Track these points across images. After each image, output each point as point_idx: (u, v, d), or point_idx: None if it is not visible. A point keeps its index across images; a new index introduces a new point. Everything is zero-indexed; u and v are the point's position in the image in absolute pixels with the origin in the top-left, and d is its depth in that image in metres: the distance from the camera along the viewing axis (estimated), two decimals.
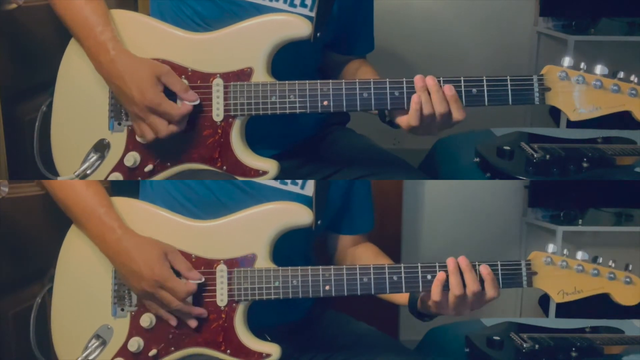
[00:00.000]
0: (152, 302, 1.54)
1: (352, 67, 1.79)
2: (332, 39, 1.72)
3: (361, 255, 1.73)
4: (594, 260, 1.54)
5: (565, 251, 1.54)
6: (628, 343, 2.22)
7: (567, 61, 1.50)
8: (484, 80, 1.50)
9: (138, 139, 1.57)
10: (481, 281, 1.50)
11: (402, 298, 1.61)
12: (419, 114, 1.49)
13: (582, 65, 1.50)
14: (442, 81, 1.50)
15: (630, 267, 1.54)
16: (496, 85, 1.50)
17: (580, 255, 1.54)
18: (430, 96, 1.49)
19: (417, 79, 1.49)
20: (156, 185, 1.63)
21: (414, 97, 1.49)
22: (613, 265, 1.54)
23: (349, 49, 1.79)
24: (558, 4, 3.05)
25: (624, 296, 1.53)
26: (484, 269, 1.50)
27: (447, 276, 1.50)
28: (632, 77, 1.50)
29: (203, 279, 1.52)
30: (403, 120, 1.53)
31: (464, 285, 1.49)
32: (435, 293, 1.50)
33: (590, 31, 3.01)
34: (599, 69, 1.50)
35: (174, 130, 1.53)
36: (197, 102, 1.53)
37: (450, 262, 1.50)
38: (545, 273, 1.53)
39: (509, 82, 1.50)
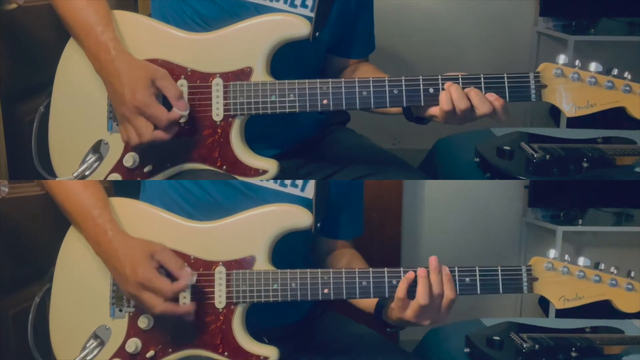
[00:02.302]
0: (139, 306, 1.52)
1: (351, 68, 1.79)
2: (332, 40, 1.72)
3: (336, 261, 1.73)
4: (596, 266, 1.53)
5: (566, 257, 1.53)
6: (628, 343, 2.22)
7: (562, 59, 1.52)
8: (482, 78, 1.51)
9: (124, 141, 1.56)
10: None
11: (368, 305, 1.61)
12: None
13: (577, 62, 1.52)
14: (440, 79, 1.51)
15: (633, 273, 1.53)
16: (493, 82, 1.51)
17: (582, 261, 1.53)
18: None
19: None
20: (154, 186, 1.63)
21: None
22: (615, 271, 1.53)
23: (349, 51, 1.78)
24: (558, 4, 3.06)
25: (626, 303, 1.53)
26: (445, 270, 1.50)
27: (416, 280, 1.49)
28: (626, 74, 1.51)
29: (195, 278, 1.51)
30: (437, 110, 1.52)
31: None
32: (401, 290, 1.49)
33: (590, 31, 3.01)
34: (593, 66, 1.51)
35: (158, 136, 1.50)
36: (186, 113, 1.52)
37: (420, 269, 1.50)
38: (546, 279, 1.53)
39: (505, 79, 1.51)
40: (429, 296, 1.48)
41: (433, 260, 1.50)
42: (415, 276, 1.49)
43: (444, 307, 1.50)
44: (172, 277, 1.50)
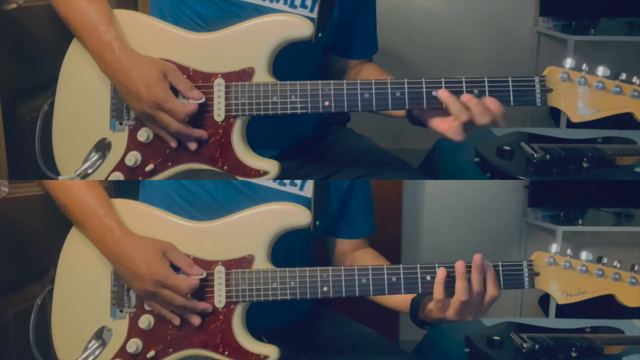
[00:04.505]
0: (154, 303, 1.53)
1: (355, 69, 1.79)
2: (335, 41, 1.72)
3: (359, 260, 1.72)
4: (599, 260, 1.51)
5: (568, 251, 1.51)
6: (628, 343, 2.22)
7: (569, 62, 1.49)
8: (486, 81, 1.50)
9: (140, 138, 1.57)
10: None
11: (403, 305, 1.59)
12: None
13: (584, 66, 1.49)
14: (444, 82, 1.50)
15: (636, 267, 1.50)
16: (498, 86, 1.49)
17: (584, 255, 1.51)
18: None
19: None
20: (153, 186, 1.63)
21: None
22: (618, 265, 1.51)
23: (352, 52, 1.78)
24: (558, 4, 3.06)
25: (629, 297, 1.50)
26: (488, 267, 1.48)
27: (450, 276, 1.47)
28: (635, 79, 1.48)
29: (205, 274, 1.51)
30: (441, 125, 1.51)
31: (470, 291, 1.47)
32: (438, 292, 1.47)
33: (590, 31, 3.02)
34: (600, 70, 1.48)
35: (184, 128, 1.52)
36: (202, 101, 1.52)
37: (459, 265, 1.47)
38: (548, 274, 1.51)
39: (510, 83, 1.49)
40: (467, 292, 1.46)
41: (477, 259, 1.47)
42: (447, 273, 1.47)
43: (486, 303, 1.49)
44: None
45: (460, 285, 1.46)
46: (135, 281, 1.51)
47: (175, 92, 1.53)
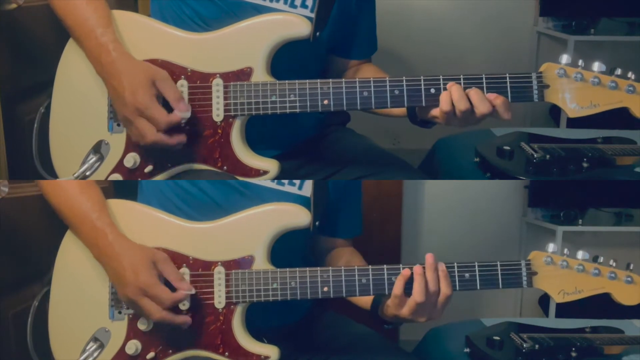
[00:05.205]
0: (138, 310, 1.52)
1: (353, 69, 1.79)
2: (333, 41, 1.72)
3: (334, 259, 1.73)
4: (595, 259, 1.53)
5: (565, 251, 1.53)
6: (628, 343, 2.22)
7: (565, 58, 1.51)
8: (483, 78, 1.50)
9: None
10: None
11: (364, 302, 1.60)
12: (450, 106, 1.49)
13: (580, 62, 1.51)
14: (442, 79, 1.51)
15: (632, 266, 1.53)
16: (495, 83, 1.50)
17: (580, 254, 1.53)
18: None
19: None
20: (151, 186, 1.63)
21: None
22: (614, 264, 1.53)
23: (351, 53, 1.78)
24: (558, 4, 3.06)
25: (625, 296, 1.53)
26: (441, 266, 1.49)
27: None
28: (630, 74, 1.51)
29: (194, 291, 1.51)
30: (437, 111, 1.52)
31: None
32: (398, 287, 1.49)
33: (590, 31, 3.02)
34: (596, 66, 1.51)
35: (160, 139, 1.50)
36: (187, 114, 1.51)
37: (416, 267, 1.49)
38: (546, 273, 1.53)
39: (507, 79, 1.51)
40: (425, 293, 1.48)
41: (429, 257, 1.49)
42: (412, 273, 1.49)
43: (440, 304, 1.50)
44: (170, 287, 1.50)
45: (417, 286, 1.48)
46: (120, 286, 1.51)
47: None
